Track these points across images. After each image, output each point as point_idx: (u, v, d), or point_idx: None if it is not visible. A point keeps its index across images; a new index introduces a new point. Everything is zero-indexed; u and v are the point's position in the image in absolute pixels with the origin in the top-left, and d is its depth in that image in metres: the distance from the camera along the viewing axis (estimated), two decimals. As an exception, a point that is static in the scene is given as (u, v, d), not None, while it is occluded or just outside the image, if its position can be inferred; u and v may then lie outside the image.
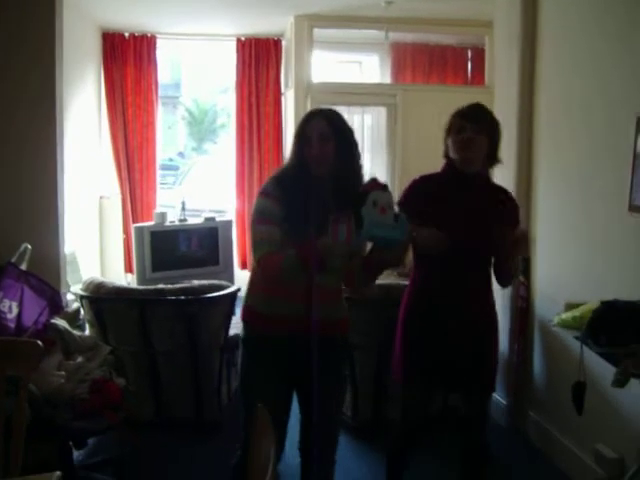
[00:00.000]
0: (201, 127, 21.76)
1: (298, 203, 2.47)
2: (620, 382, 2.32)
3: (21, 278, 3.30)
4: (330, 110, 2.65)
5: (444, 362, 2.82)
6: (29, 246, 3.43)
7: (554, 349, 3.83)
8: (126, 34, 7.06)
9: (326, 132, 2.49)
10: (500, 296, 4.34)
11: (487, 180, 2.93)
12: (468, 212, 2.77)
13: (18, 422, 2.44)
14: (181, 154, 20.37)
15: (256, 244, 2.54)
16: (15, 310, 3.21)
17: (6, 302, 3.19)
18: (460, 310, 2.79)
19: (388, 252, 2.41)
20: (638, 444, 2.93)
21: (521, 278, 4.11)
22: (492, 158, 2.84)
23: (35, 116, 3.73)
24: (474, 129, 2.74)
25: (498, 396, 4.39)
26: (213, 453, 3.80)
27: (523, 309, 4.14)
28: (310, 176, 2.52)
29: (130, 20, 6.74)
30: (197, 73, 20.21)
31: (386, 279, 5.59)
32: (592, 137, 3.49)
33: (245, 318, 2.68)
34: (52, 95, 3.73)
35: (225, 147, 18.39)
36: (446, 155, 2.86)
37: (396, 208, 2.34)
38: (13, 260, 3.36)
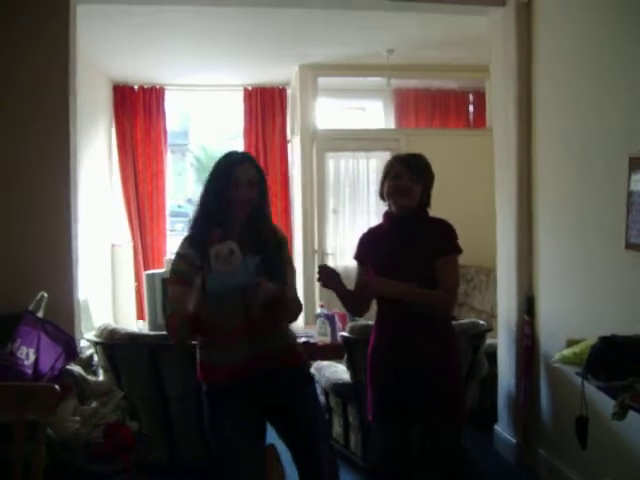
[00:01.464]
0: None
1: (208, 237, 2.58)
2: (618, 415, 2.38)
3: (37, 325, 3.41)
4: (252, 156, 2.82)
5: (403, 400, 2.96)
6: (45, 294, 3.54)
7: (560, 386, 3.88)
8: (135, 86, 7.28)
9: (254, 178, 2.65)
10: (505, 333, 4.44)
11: (421, 217, 3.07)
12: (398, 249, 2.98)
13: (36, 466, 2.52)
14: (190, 200, 20.59)
15: (168, 302, 2.71)
16: (32, 357, 3.30)
17: (23, 349, 3.29)
18: (409, 345, 2.96)
19: (256, 296, 2.47)
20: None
21: (525, 317, 4.18)
22: (424, 202, 3.05)
23: (50, 167, 3.86)
24: (412, 177, 2.95)
25: (507, 434, 4.44)
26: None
27: (529, 347, 4.20)
28: (230, 217, 2.65)
29: (139, 73, 6.96)
30: (205, 121, 20.56)
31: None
32: (589, 177, 3.59)
33: (199, 374, 2.73)
34: (66, 150, 3.86)
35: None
36: (381, 196, 3.09)
37: (239, 252, 2.41)
38: (30, 308, 3.47)
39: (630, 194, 3.13)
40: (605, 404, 2.93)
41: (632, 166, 3.12)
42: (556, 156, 3.97)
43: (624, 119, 3.27)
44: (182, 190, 21.34)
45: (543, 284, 4.10)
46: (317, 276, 3.00)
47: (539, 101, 4.12)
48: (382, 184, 3.07)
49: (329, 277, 2.99)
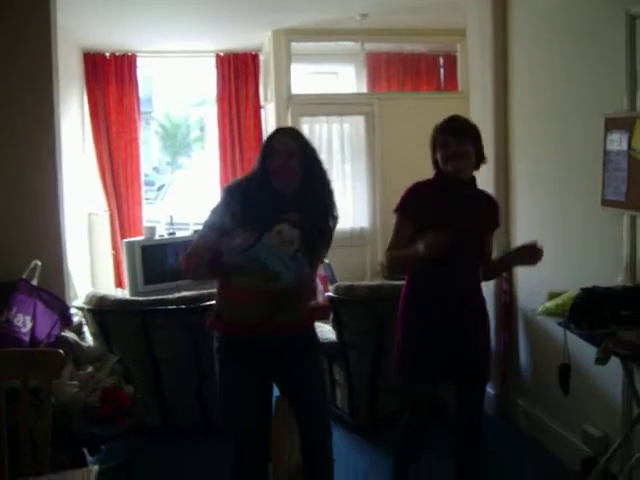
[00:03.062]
0: (174, 141, 21.83)
1: (256, 210, 2.62)
2: (601, 360, 2.53)
3: (33, 293, 3.45)
4: (295, 129, 2.88)
5: (445, 357, 3.00)
6: (39, 262, 3.58)
7: (538, 339, 4.05)
8: (107, 54, 7.20)
9: (292, 149, 2.67)
10: (485, 290, 4.58)
11: (475, 185, 3.11)
12: (463, 216, 2.96)
13: (44, 430, 2.59)
14: (156, 169, 20.41)
15: (194, 243, 2.75)
16: (29, 324, 3.36)
17: (20, 317, 3.34)
18: (455, 307, 2.99)
19: (273, 284, 2.56)
20: (621, 420, 3.15)
21: (503, 273, 4.32)
22: (479, 161, 3.05)
23: (36, 135, 3.89)
24: (457, 142, 2.94)
25: (487, 386, 4.60)
26: (221, 457, 3.94)
27: (507, 303, 4.36)
28: (271, 188, 2.68)
29: (110, 40, 6.88)
30: (169, 88, 20.28)
31: (376, 280, 5.82)
32: (565, 137, 3.72)
33: (213, 326, 2.80)
34: (51, 116, 3.90)
35: (200, 161, 18.48)
36: (437, 167, 3.03)
37: (293, 248, 2.54)
38: (24, 276, 3.51)
39: (606, 153, 3.26)
40: (582, 354, 3.11)
41: (608, 126, 3.25)
42: (533, 117, 4.09)
43: (599, 80, 3.39)
44: (148, 158, 21.13)
45: (521, 240, 4.22)
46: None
47: (515, 65, 4.23)
48: (433, 158, 3.03)
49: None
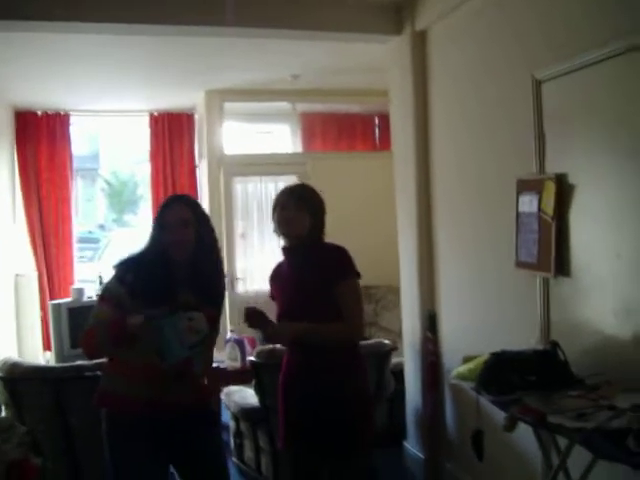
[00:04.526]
0: (121, 198, 21.66)
1: (152, 284, 2.58)
2: (508, 427, 2.49)
3: None
4: (189, 196, 2.89)
5: (304, 429, 2.95)
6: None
7: (462, 401, 4.01)
8: (39, 112, 7.14)
9: (187, 217, 2.65)
10: (411, 351, 4.56)
11: (315, 245, 3.03)
12: (296, 281, 2.97)
13: None
14: (102, 226, 20.19)
15: (91, 319, 2.67)
16: None
17: None
18: (315, 374, 2.94)
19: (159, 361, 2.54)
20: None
21: (428, 334, 4.30)
22: (316, 230, 3.02)
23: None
24: (297, 206, 2.94)
25: (416, 450, 4.54)
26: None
27: (433, 363, 4.31)
28: (169, 261, 2.64)
29: (43, 98, 6.82)
30: (114, 145, 20.24)
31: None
32: (482, 198, 3.76)
33: (100, 401, 2.71)
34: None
35: (145, 218, 18.33)
36: (276, 232, 3.05)
37: (197, 339, 2.53)
38: None
39: (519, 215, 3.29)
40: (500, 418, 3.05)
41: (519, 188, 3.29)
42: (452, 178, 4.13)
43: (511, 143, 3.44)
44: (93, 216, 20.89)
45: (444, 302, 4.24)
46: (244, 318, 2.91)
47: (435, 125, 4.29)
48: (273, 218, 3.04)
49: (255, 318, 2.90)
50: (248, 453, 4.53)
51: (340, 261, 2.99)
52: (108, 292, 2.65)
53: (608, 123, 2.74)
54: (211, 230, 2.75)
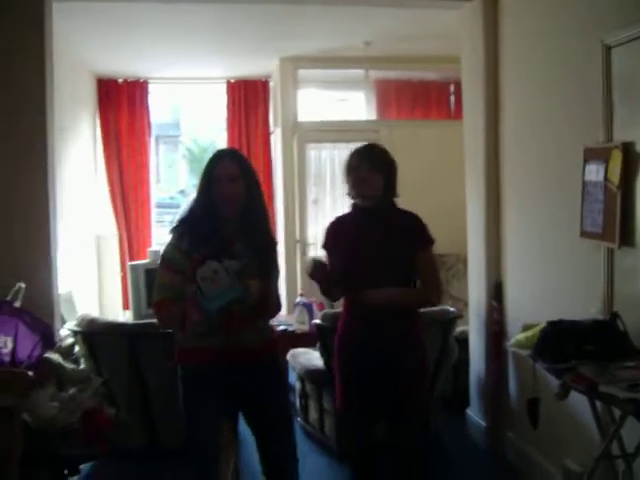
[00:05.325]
0: (201, 165, 21.94)
1: (205, 242, 2.64)
2: (560, 395, 2.50)
3: (15, 315, 3.50)
4: (237, 151, 2.89)
5: (370, 392, 3.02)
6: (23, 285, 3.64)
7: (524, 370, 4.00)
8: (119, 80, 7.36)
9: (236, 172, 2.69)
10: (476, 320, 4.57)
11: (391, 210, 3.10)
12: (366, 242, 3.01)
13: (13, 450, 2.63)
14: (182, 192, 20.63)
15: (156, 287, 2.75)
16: (10, 345, 3.40)
17: (1, 338, 3.39)
18: (378, 340, 2.99)
19: (244, 306, 2.62)
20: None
21: (493, 303, 4.30)
22: (390, 191, 3.07)
23: (27, 160, 3.93)
24: (368, 168, 2.99)
25: (478, 418, 4.56)
26: None
27: (497, 333, 4.31)
28: (218, 216, 2.70)
29: (123, 66, 7.04)
30: (195, 113, 20.59)
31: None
32: (549, 167, 3.71)
33: (177, 357, 2.81)
34: (43, 139, 3.93)
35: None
36: (349, 194, 3.10)
37: (223, 269, 2.53)
38: (8, 298, 3.57)
39: (584, 184, 3.24)
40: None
41: (586, 157, 3.24)
42: (520, 147, 4.08)
43: (578, 110, 3.37)
44: (174, 181, 21.37)
45: (510, 271, 4.22)
46: (309, 269, 3.01)
47: (505, 92, 4.23)
48: (346, 180, 3.11)
49: (317, 270, 3.01)
50: (313, 414, 4.65)
51: (421, 228, 3.08)
52: (166, 258, 2.74)
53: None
54: (258, 184, 2.79)
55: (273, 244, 2.88)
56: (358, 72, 7.20)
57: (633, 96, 2.94)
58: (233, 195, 2.68)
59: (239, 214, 2.72)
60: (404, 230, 3.06)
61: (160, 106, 7.59)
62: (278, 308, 2.91)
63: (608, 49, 3.05)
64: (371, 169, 3.00)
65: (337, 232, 3.17)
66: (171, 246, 2.73)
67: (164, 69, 7.27)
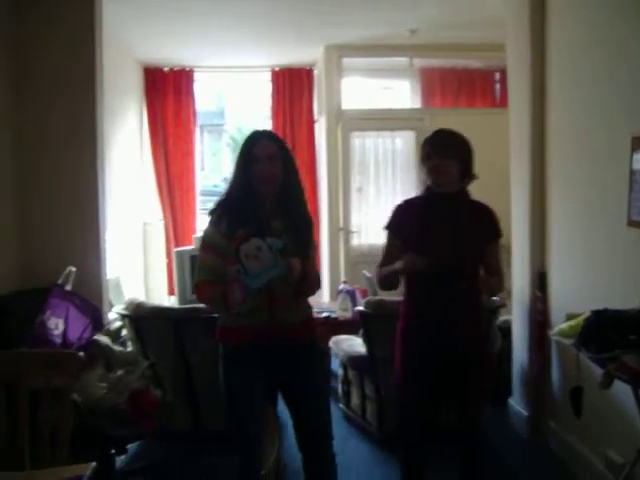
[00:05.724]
0: (244, 152, 22.06)
1: (243, 222, 2.67)
2: (604, 384, 2.49)
3: (66, 298, 3.61)
4: (272, 132, 2.88)
5: (436, 371, 3.01)
6: (73, 269, 3.75)
7: (568, 360, 3.98)
8: (165, 68, 7.47)
9: (275, 152, 2.71)
10: (519, 309, 4.55)
11: (464, 197, 3.09)
12: (447, 229, 2.97)
13: (64, 429, 2.72)
14: (226, 180, 20.75)
15: (198, 269, 2.79)
16: (61, 327, 3.52)
17: (53, 320, 3.50)
18: (447, 322, 2.98)
19: (286, 284, 2.63)
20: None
21: (537, 292, 4.27)
22: (466, 176, 3.03)
23: (78, 147, 4.04)
24: (439, 155, 2.95)
25: (520, 408, 4.55)
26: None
27: (540, 322, 4.29)
28: (256, 197, 2.72)
29: (169, 55, 7.14)
30: (239, 102, 20.68)
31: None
32: (594, 156, 3.67)
33: (218, 336, 2.84)
34: (93, 129, 4.04)
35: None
36: (424, 181, 3.07)
37: (266, 246, 2.55)
38: (59, 281, 3.68)
39: (632, 172, 3.20)
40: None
41: (634, 145, 3.19)
42: (566, 135, 4.04)
43: (630, 98, 3.32)
44: (218, 170, 21.54)
45: (554, 261, 4.19)
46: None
47: (551, 80, 4.18)
48: (421, 169, 3.08)
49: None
50: (355, 400, 4.69)
51: (494, 219, 3.11)
52: (206, 241, 2.78)
53: None
54: (295, 165, 2.80)
55: (310, 223, 2.89)
56: (402, 60, 7.19)
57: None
58: (272, 174, 2.70)
59: (277, 194, 2.75)
60: (478, 218, 3.08)
61: (205, 95, 7.68)
62: (318, 285, 2.93)
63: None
64: (444, 157, 2.96)
65: (408, 215, 3.10)
66: (210, 228, 2.77)
67: (209, 57, 7.35)
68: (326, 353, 4.84)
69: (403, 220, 3.07)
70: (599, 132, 3.61)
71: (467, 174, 3.03)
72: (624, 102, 3.36)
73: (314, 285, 2.88)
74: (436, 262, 2.85)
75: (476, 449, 3.18)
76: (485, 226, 3.08)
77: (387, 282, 3.11)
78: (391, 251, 3.06)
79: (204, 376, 4.28)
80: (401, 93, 7.93)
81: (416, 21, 5.83)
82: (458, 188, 3.04)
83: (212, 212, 2.80)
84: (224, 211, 2.75)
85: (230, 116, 22.68)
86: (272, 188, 2.73)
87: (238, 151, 2.80)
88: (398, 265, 2.92)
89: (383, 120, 6.96)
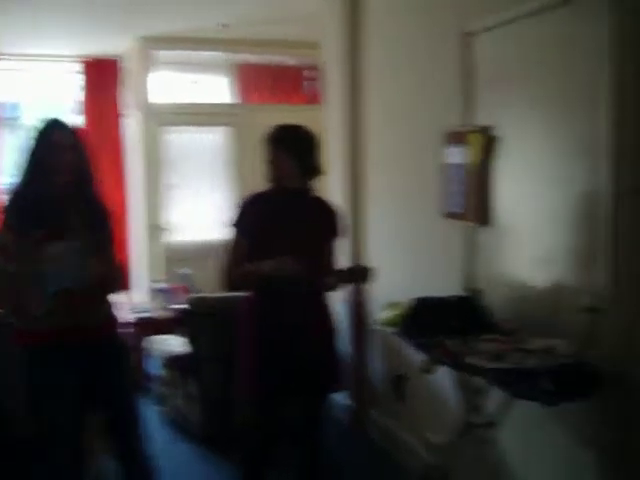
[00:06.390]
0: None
1: (40, 219, 2.56)
2: (426, 369, 2.57)
3: None
4: (66, 122, 2.72)
5: (285, 373, 2.93)
6: None
7: (389, 348, 4.10)
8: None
9: (72, 141, 2.63)
10: (340, 302, 4.62)
11: (308, 194, 3.05)
12: (293, 227, 2.93)
13: None
14: (15, 174, 19.47)
15: None
16: None
17: None
18: (295, 324, 2.93)
19: (86, 284, 2.59)
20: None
21: (356, 284, 4.36)
22: (308, 172, 2.98)
23: None
24: (274, 150, 2.92)
25: (341, 398, 4.63)
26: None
27: (360, 313, 4.40)
28: (52, 188, 2.61)
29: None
30: (39, 93, 19.53)
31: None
32: (411, 152, 3.81)
33: (18, 340, 2.70)
34: None
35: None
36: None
37: (64, 247, 2.52)
38: None
39: (446, 166, 3.35)
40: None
41: (447, 140, 3.34)
42: (383, 132, 4.17)
43: (443, 95, 3.46)
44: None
45: (373, 252, 4.30)
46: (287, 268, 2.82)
47: (367, 77, 4.31)
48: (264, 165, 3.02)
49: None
50: (177, 401, 4.55)
51: (337, 219, 3.12)
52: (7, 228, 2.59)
53: (538, 76, 2.76)
54: (89, 156, 2.72)
55: (109, 216, 2.83)
56: (219, 55, 7.07)
57: (493, 82, 3.05)
58: (71, 163, 2.61)
59: (74, 186, 2.65)
60: (321, 216, 3.06)
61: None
62: (121, 281, 2.86)
63: (469, 36, 3.14)
64: (276, 151, 2.92)
65: (251, 211, 2.99)
66: (3, 229, 2.59)
67: (12, 44, 6.79)
68: (139, 353, 4.68)
69: (249, 217, 2.97)
70: (415, 129, 3.75)
71: (310, 170, 2.99)
72: (437, 100, 3.52)
73: (117, 281, 2.81)
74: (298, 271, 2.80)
75: (317, 449, 3.16)
76: (327, 224, 3.08)
77: (243, 283, 2.99)
78: (241, 250, 2.94)
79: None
80: (218, 88, 7.81)
81: (228, 15, 5.74)
82: (301, 184, 2.98)
83: (5, 211, 2.61)
84: (17, 209, 2.59)
85: (29, 109, 21.34)
86: (71, 178, 2.62)
87: (31, 141, 2.62)
88: (266, 267, 2.80)
89: (197, 115, 6.80)
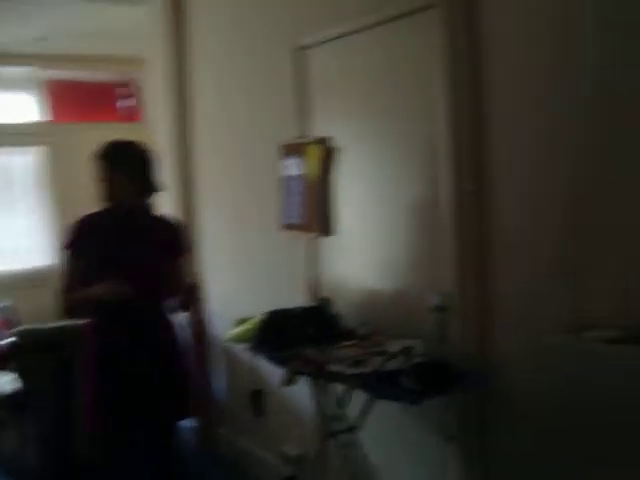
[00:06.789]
0: None
1: None
2: (287, 381, 2.55)
3: None
4: None
5: (129, 399, 2.83)
6: None
7: (235, 365, 4.05)
8: None
9: None
10: (178, 323, 4.51)
11: (147, 212, 2.96)
12: (127, 245, 2.83)
13: None
14: None
15: None
16: None
17: None
18: (134, 344, 2.83)
19: None
20: (315, 438, 3.21)
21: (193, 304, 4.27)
22: (144, 189, 2.89)
23: None
24: (106, 168, 2.81)
25: (189, 420, 4.52)
26: None
27: (200, 331, 4.31)
28: None
29: None
30: None
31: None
32: (246, 167, 3.81)
33: None
34: None
35: None
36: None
37: None
38: None
39: (283, 179, 3.37)
40: (277, 377, 3.14)
41: (283, 152, 3.37)
42: (216, 148, 4.14)
43: (277, 109, 3.49)
44: None
45: (210, 270, 4.23)
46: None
47: (197, 93, 4.29)
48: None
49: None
50: (11, 443, 4.22)
51: (181, 236, 3.02)
52: None
53: (364, 89, 2.86)
54: None
55: None
56: (30, 70, 6.65)
57: (327, 95, 3.11)
58: None
59: None
60: (162, 234, 2.94)
61: None
62: None
63: (302, 50, 3.19)
64: (104, 169, 2.79)
65: (85, 232, 2.85)
66: None
67: None
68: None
69: (83, 239, 2.83)
70: (249, 144, 3.77)
71: (145, 187, 2.88)
72: (273, 112, 3.54)
73: None
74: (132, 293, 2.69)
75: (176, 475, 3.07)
76: (170, 242, 2.97)
77: (80, 309, 2.85)
78: (75, 273, 2.79)
79: None
80: (29, 106, 7.35)
81: (45, 29, 5.44)
82: (138, 202, 2.87)
83: None
84: None
85: None
86: None
87: None
88: (94, 292, 2.69)
89: (5, 135, 6.32)
